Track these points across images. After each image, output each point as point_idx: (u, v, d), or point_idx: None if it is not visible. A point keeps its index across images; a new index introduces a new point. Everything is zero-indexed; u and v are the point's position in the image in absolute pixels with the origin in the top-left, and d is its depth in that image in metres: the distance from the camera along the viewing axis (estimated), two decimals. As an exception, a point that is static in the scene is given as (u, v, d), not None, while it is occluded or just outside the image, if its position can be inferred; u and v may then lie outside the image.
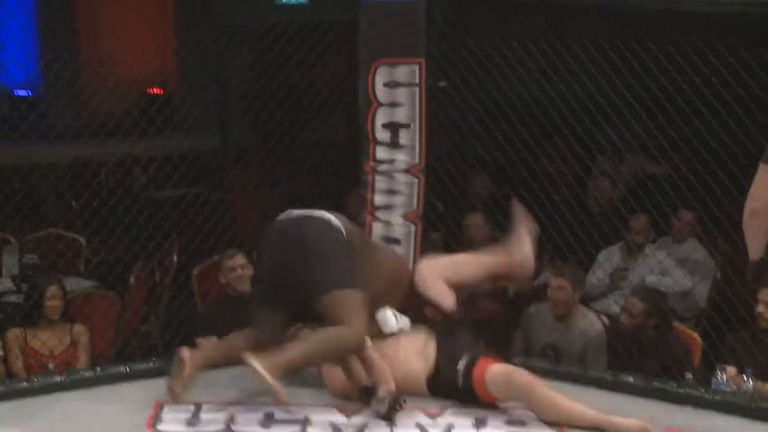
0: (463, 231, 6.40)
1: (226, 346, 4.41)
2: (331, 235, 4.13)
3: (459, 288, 4.55)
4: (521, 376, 4.22)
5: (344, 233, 4.16)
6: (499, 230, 6.53)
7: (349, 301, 4.02)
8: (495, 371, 4.24)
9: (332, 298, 4.00)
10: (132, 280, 6.36)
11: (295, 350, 4.06)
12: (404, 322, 4.55)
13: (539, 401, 4.17)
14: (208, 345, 4.54)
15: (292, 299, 4.14)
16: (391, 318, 4.46)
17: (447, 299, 4.51)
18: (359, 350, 4.20)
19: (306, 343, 4.14)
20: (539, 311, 5.56)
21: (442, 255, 4.73)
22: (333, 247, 4.11)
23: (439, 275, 4.52)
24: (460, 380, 4.34)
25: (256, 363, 3.87)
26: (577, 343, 5.34)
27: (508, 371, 4.25)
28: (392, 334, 4.48)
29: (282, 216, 4.31)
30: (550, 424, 4.15)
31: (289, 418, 4.18)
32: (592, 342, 5.33)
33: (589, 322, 5.42)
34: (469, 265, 4.62)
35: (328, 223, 4.17)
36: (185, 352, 4.28)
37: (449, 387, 4.37)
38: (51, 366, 5.20)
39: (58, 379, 4.61)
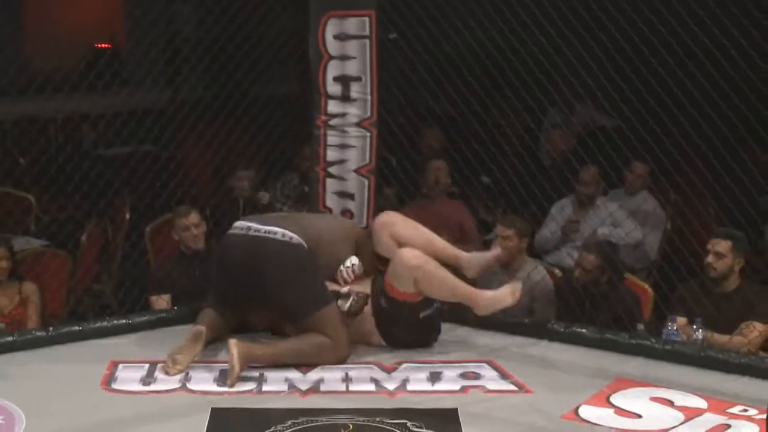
0: (426, 176, 6.39)
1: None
2: (300, 258, 4.41)
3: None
4: (407, 258, 4.39)
5: (306, 247, 4.43)
6: (453, 183, 6.57)
7: (331, 317, 4.39)
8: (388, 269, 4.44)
9: (316, 319, 4.37)
10: (84, 238, 6.29)
11: (277, 349, 4.37)
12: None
13: (426, 274, 4.39)
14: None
15: (255, 310, 4.58)
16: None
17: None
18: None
19: (291, 345, 4.40)
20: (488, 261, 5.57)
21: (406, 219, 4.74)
22: (305, 270, 4.41)
23: (390, 234, 4.56)
24: (384, 302, 4.49)
25: (234, 349, 4.14)
26: (524, 295, 5.35)
27: (396, 259, 4.42)
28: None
29: (241, 228, 4.50)
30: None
31: (244, 375, 4.19)
32: (540, 294, 5.35)
33: (537, 274, 5.43)
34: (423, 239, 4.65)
35: (290, 245, 4.41)
36: (201, 327, 4.38)
37: (384, 317, 4.51)
38: (2, 325, 5.14)
39: (9, 338, 4.57)
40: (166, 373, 4.22)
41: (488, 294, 4.53)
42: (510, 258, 5.44)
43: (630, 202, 6.53)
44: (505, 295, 4.52)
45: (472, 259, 4.67)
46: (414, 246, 4.55)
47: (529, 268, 5.43)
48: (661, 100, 5.09)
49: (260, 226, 4.45)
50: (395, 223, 4.63)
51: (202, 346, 4.35)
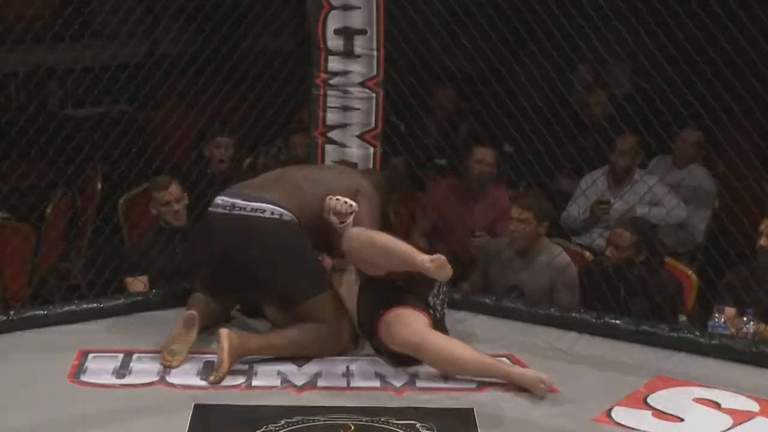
0: (469, 166, 6.24)
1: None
2: (292, 238, 4.40)
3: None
4: (406, 326, 4.21)
5: (297, 222, 4.40)
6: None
7: (329, 303, 4.40)
8: (383, 320, 4.28)
9: (313, 305, 4.36)
10: (49, 210, 6.29)
11: (273, 340, 4.38)
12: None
13: (427, 353, 4.19)
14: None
15: (246, 296, 4.62)
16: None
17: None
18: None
19: (288, 336, 4.38)
20: (501, 247, 5.52)
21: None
22: (298, 252, 4.41)
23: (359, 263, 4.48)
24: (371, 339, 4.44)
25: (225, 342, 4.16)
26: (542, 283, 5.33)
27: (393, 318, 4.24)
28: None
29: (224, 206, 4.45)
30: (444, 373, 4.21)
31: (233, 368, 4.18)
32: (560, 280, 5.31)
33: (557, 258, 5.38)
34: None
35: (280, 223, 4.38)
36: (193, 312, 4.38)
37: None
38: (-44, 309, 5.16)
39: (-35, 325, 4.59)
40: (168, 367, 4.23)
41: (514, 369, 4.20)
42: (526, 244, 5.39)
43: (676, 175, 6.45)
44: (527, 375, 4.14)
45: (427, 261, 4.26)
46: (377, 267, 4.35)
47: (549, 255, 5.39)
48: (710, 59, 5.06)
49: (246, 203, 4.42)
50: (358, 254, 4.38)
51: (197, 333, 4.34)
